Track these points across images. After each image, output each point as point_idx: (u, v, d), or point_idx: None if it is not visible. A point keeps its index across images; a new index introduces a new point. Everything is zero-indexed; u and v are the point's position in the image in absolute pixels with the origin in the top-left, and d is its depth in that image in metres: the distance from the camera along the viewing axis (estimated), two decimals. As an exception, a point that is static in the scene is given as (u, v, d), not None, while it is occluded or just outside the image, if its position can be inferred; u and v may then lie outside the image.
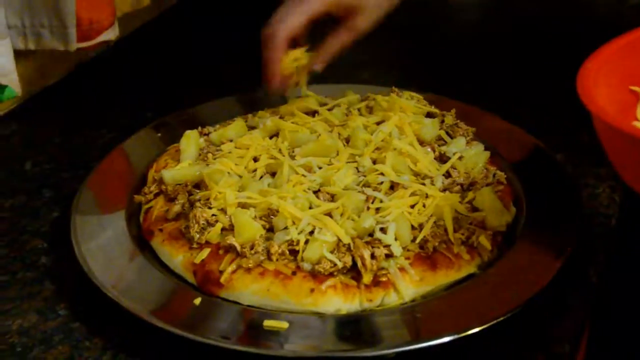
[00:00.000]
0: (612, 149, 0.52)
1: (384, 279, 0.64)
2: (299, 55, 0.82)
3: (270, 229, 0.69)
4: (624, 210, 0.75)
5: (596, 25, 1.16)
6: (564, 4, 1.25)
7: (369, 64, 1.08)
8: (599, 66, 0.55)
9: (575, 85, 0.53)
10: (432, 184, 0.73)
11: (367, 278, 0.64)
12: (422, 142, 0.78)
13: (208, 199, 0.71)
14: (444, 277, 0.66)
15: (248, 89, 0.94)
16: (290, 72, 0.83)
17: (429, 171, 0.74)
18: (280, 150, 0.77)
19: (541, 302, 0.63)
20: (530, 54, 1.09)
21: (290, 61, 0.81)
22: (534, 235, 0.70)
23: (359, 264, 0.65)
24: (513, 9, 1.26)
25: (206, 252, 0.67)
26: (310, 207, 0.69)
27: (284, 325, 0.61)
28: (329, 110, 0.84)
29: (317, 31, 0.83)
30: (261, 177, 0.75)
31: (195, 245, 0.68)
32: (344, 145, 0.78)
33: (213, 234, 0.68)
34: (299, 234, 0.67)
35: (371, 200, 0.70)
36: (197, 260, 0.67)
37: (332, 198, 0.71)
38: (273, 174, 0.75)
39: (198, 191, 0.74)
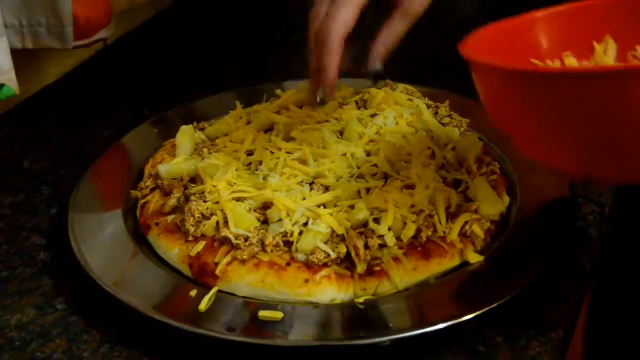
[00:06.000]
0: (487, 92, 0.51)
1: (377, 268, 0.65)
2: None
3: (265, 222, 0.69)
4: (617, 199, 0.76)
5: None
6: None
7: (364, 58, 1.08)
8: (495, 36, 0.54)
9: None
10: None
11: (361, 268, 0.65)
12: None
13: (203, 193, 0.72)
14: (438, 266, 0.66)
15: (245, 85, 0.95)
16: None
17: (423, 162, 0.75)
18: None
19: (535, 289, 0.64)
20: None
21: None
22: (527, 224, 0.71)
23: (353, 254, 0.65)
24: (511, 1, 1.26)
25: (202, 245, 0.68)
26: (305, 200, 0.70)
27: (279, 315, 0.61)
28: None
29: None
30: (256, 171, 0.75)
31: (191, 239, 0.69)
32: (339, 138, 0.78)
33: (208, 227, 0.68)
34: (293, 225, 0.67)
35: (365, 192, 0.71)
36: (193, 253, 0.67)
37: (327, 190, 0.72)
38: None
39: (194, 185, 0.74)
